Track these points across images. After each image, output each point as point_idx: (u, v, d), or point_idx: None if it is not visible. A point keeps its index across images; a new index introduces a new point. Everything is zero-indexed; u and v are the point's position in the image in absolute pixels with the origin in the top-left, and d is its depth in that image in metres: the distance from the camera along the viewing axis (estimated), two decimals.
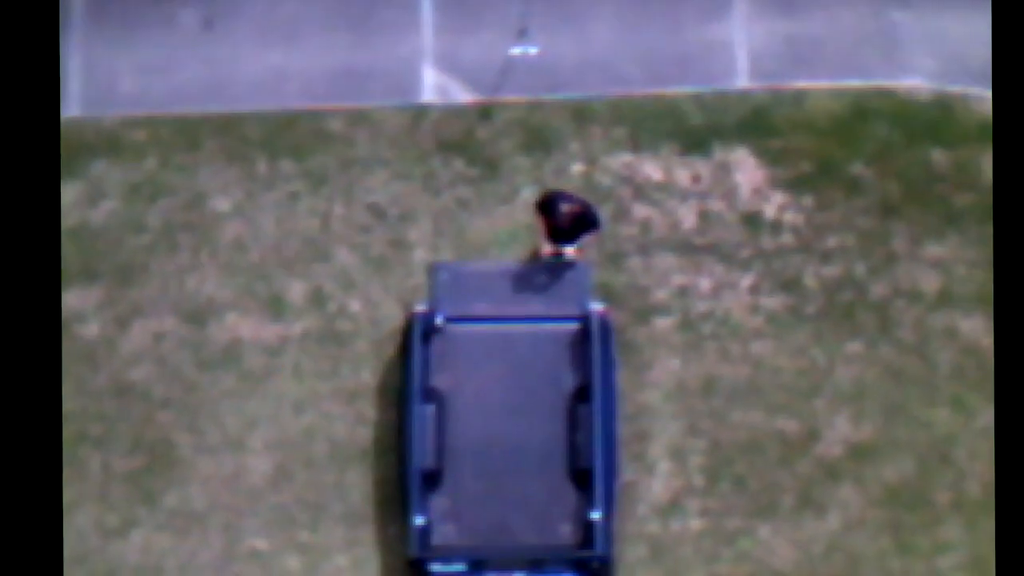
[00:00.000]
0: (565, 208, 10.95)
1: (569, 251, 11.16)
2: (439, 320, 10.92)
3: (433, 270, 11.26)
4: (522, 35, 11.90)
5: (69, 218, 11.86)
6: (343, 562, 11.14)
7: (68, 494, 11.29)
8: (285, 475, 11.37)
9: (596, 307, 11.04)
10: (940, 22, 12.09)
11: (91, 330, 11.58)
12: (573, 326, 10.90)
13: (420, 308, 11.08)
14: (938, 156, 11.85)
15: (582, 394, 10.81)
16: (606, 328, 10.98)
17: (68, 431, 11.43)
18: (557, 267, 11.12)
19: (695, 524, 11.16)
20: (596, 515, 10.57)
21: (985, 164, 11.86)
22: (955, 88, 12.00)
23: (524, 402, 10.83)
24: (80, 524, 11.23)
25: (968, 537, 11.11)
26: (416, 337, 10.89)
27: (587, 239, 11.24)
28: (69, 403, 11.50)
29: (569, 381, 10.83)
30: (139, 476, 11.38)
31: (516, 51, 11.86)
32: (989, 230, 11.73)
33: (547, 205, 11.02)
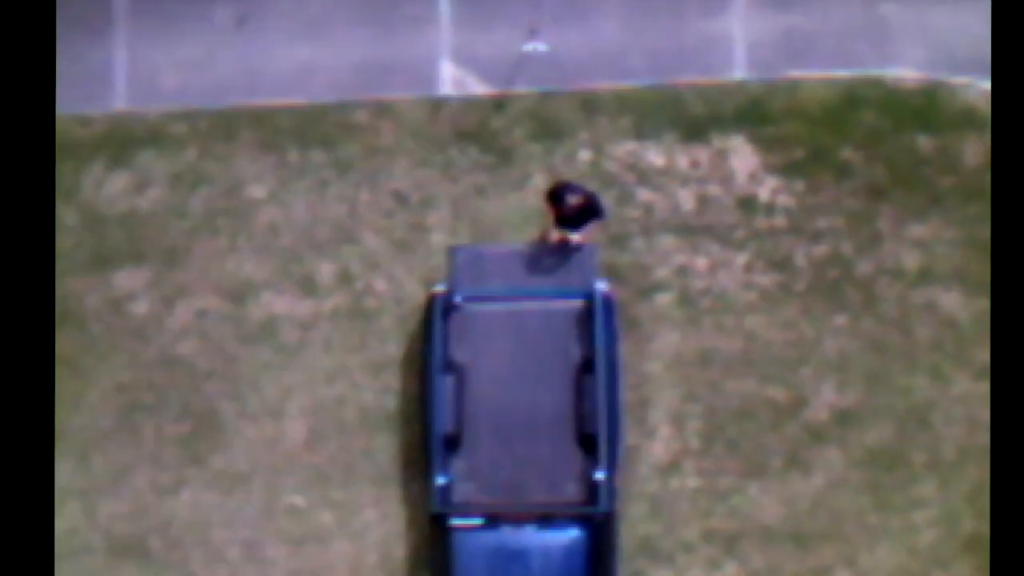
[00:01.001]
0: (572, 199, 11.68)
1: (575, 237, 11.95)
2: (457, 299, 11.80)
3: (451, 253, 12.07)
4: (533, 33, 12.45)
5: (119, 205, 12.65)
6: (372, 517, 12.12)
7: (124, 457, 12.32)
8: (319, 439, 12.26)
9: (601, 286, 11.87)
10: (927, 14, 12.58)
11: (141, 308, 12.46)
12: (580, 303, 11.72)
13: (440, 288, 11.91)
14: (923, 141, 12.43)
15: (588, 365, 11.64)
16: (610, 305, 11.80)
17: (123, 400, 12.41)
18: (566, 249, 11.91)
19: (692, 483, 12.04)
20: (600, 475, 11.49)
21: (968, 149, 12.45)
22: (940, 77, 12.53)
23: (535, 373, 11.67)
24: (137, 484, 12.24)
25: (941, 495, 11.95)
26: (437, 315, 11.72)
27: (593, 226, 11.98)
28: (123, 375, 12.44)
29: (576, 353, 11.66)
30: (188, 440, 12.32)
31: (528, 48, 12.44)
32: (969, 211, 12.36)
33: (556, 195, 11.74)
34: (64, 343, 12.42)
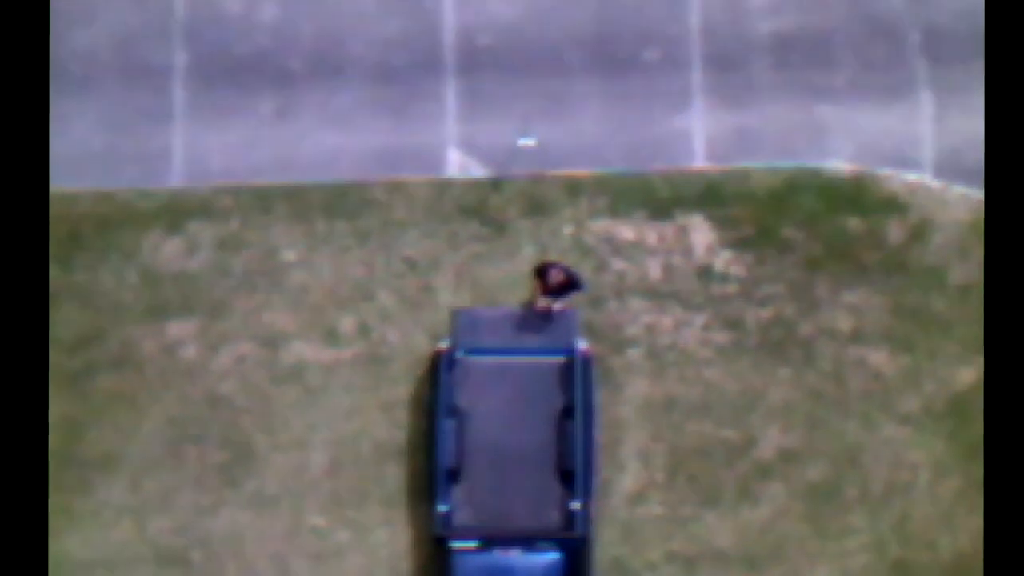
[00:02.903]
0: (556, 276, 12.26)
1: (557, 306, 12.51)
2: (459, 354, 12.37)
3: (454, 315, 12.61)
4: (525, 131, 12.99)
5: (172, 265, 13.01)
6: (383, 536, 12.49)
7: (171, 480, 12.61)
8: (338, 467, 12.61)
9: (581, 345, 12.46)
10: (856, 115, 13.16)
11: (189, 353, 12.81)
12: (562, 359, 12.31)
13: (444, 344, 12.44)
14: (853, 223, 12.97)
15: (568, 411, 12.23)
16: (587, 361, 12.39)
17: (171, 431, 12.73)
18: (551, 314, 12.47)
19: (656, 511, 12.45)
20: (577, 505, 12.03)
21: (891, 229, 12.97)
22: (868, 168, 13.06)
23: (524, 417, 12.24)
24: (181, 503, 12.56)
25: (870, 524, 12.40)
26: (442, 367, 12.33)
27: (572, 296, 12.48)
28: (172, 410, 12.76)
29: (558, 401, 12.24)
30: (226, 467, 12.64)
31: (521, 142, 12.94)
32: (893, 281, 12.89)
33: (541, 272, 12.36)
34: (122, 382, 12.78)
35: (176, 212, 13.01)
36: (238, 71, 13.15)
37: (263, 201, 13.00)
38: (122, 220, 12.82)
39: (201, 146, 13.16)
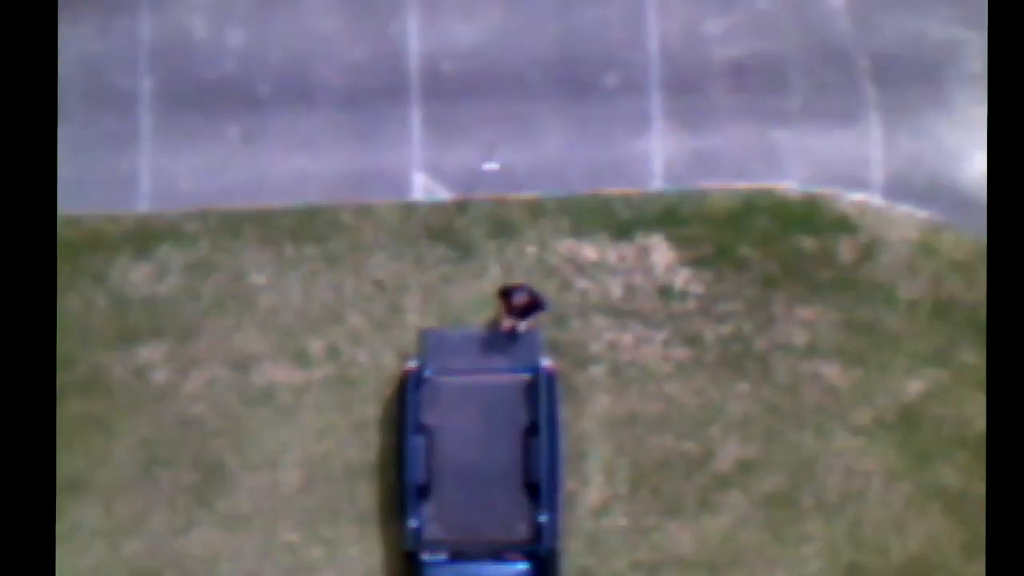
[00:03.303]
0: (519, 298, 12.57)
1: (522, 326, 12.81)
2: (427, 373, 12.66)
3: (422, 335, 12.87)
4: (490, 154, 13.22)
5: (141, 289, 13.14)
6: (355, 553, 12.73)
7: (143, 503, 12.74)
8: (310, 486, 12.80)
9: (545, 363, 12.77)
10: (809, 139, 13.52)
11: (160, 376, 12.95)
12: (527, 377, 12.60)
13: (413, 364, 12.69)
14: (807, 242, 13.35)
15: (533, 428, 12.54)
16: (551, 379, 12.72)
17: (144, 454, 12.87)
18: (515, 334, 12.74)
19: (621, 522, 12.78)
20: (543, 518, 12.37)
21: (842, 248, 13.36)
22: (820, 190, 13.44)
23: (490, 433, 12.55)
24: (154, 525, 12.71)
25: (824, 531, 12.83)
26: (411, 387, 12.59)
27: (537, 316, 12.80)
28: (144, 432, 12.90)
29: (524, 418, 12.57)
30: (198, 488, 12.80)
31: (486, 166, 13.18)
32: (846, 297, 13.27)
33: (506, 294, 12.68)
34: (94, 405, 12.92)
35: (144, 236, 13.10)
36: (205, 96, 13.28)
37: (231, 225, 13.14)
38: (90, 245, 12.94)
39: (169, 170, 13.26)
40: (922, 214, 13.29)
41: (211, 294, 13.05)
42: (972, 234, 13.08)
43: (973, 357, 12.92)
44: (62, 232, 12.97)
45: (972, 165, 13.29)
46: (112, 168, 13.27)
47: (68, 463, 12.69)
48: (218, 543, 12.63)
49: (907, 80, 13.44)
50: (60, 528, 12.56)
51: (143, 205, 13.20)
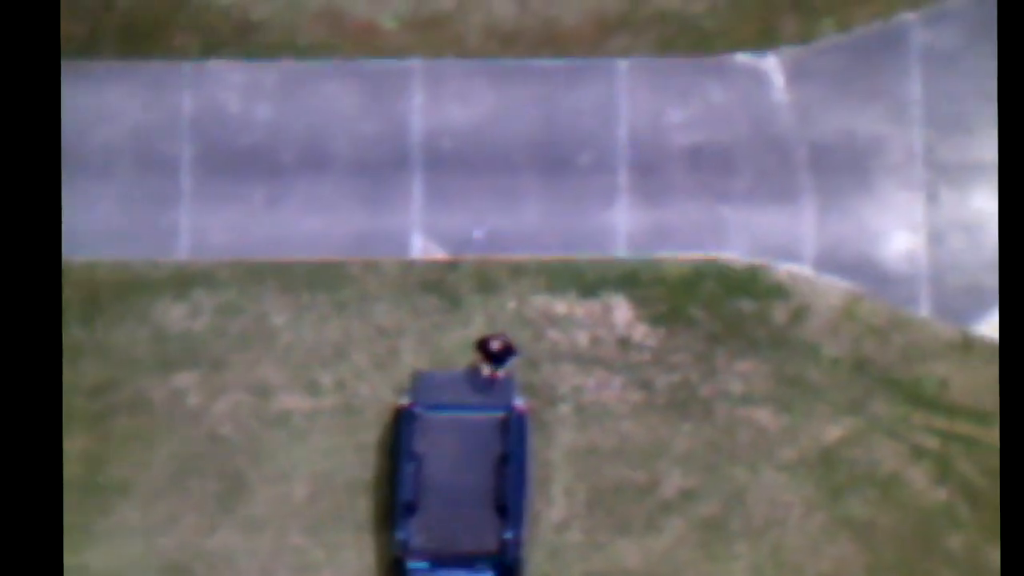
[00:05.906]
0: (495, 345, 14.58)
1: (500, 372, 14.79)
2: (418, 410, 14.68)
3: (414, 376, 14.92)
4: (479, 222, 15.19)
5: (179, 326, 15.19)
6: (352, 556, 14.78)
7: (176, 506, 14.73)
8: (317, 498, 14.78)
9: (518, 403, 14.84)
10: (751, 216, 15.47)
11: (193, 400, 14.99)
12: (502, 415, 14.66)
13: (406, 401, 14.68)
14: (747, 305, 15.36)
15: (505, 458, 14.61)
16: (523, 417, 14.83)
17: (177, 465, 14.87)
18: (493, 378, 14.77)
19: (578, 537, 14.77)
20: (509, 535, 14.43)
21: (776, 311, 15.30)
22: (759, 260, 15.36)
23: (469, 462, 14.68)
24: (184, 525, 14.72)
25: (751, 551, 14.79)
26: (403, 420, 14.68)
27: (511, 362, 14.74)
28: (178, 447, 14.87)
29: (497, 449, 14.72)
30: (222, 495, 14.81)
31: (476, 234, 15.14)
32: (779, 354, 15.12)
33: (483, 344, 14.71)
34: (137, 422, 14.96)
35: (182, 281, 15.16)
36: (237, 162, 15.36)
37: (256, 274, 15.16)
38: (136, 287, 14.99)
39: (204, 226, 15.29)
40: (846, 284, 15.29)
41: (237, 332, 15.03)
42: (888, 303, 15.08)
43: (884, 408, 14.93)
44: (113, 275, 15.14)
45: (891, 244, 15.33)
46: (156, 222, 15.31)
47: (114, 470, 14.70)
48: (237, 543, 14.59)
49: (838, 168, 15.49)
50: (107, 524, 14.62)
51: (182, 254, 15.29)
